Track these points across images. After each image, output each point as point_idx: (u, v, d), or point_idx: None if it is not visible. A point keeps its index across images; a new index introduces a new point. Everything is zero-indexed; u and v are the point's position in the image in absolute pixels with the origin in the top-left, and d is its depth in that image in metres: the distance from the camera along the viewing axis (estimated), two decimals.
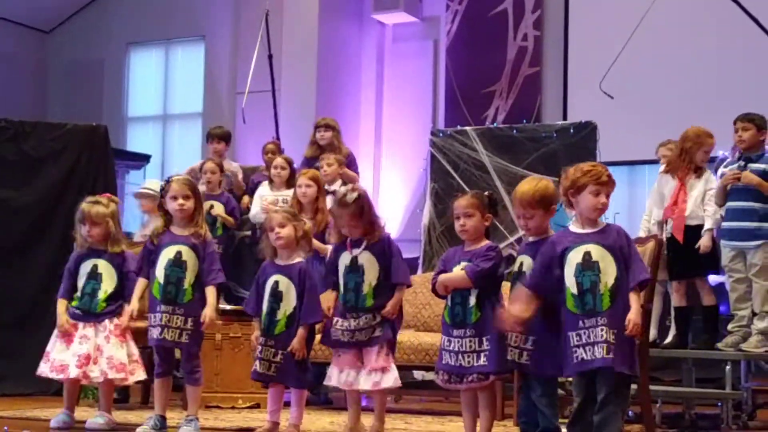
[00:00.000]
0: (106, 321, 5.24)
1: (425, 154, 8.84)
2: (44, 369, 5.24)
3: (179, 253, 4.99)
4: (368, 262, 4.80)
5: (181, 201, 5.00)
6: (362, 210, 4.80)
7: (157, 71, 13.35)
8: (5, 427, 4.84)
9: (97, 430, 5.06)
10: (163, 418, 4.98)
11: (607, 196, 4.23)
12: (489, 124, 10.54)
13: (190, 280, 4.98)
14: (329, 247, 6.31)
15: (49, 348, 5.27)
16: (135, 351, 5.31)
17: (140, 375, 5.32)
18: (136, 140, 13.16)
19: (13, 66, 13.15)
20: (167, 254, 4.99)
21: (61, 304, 5.29)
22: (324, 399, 6.79)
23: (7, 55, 13.11)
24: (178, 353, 5.22)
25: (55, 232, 7.27)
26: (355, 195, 4.81)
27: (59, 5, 13.49)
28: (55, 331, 5.29)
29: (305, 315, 4.84)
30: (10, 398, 6.74)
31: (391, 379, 4.79)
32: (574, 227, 4.29)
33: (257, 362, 4.88)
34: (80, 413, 5.37)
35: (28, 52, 13.48)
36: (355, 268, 4.83)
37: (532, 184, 4.43)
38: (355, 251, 4.83)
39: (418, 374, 7.33)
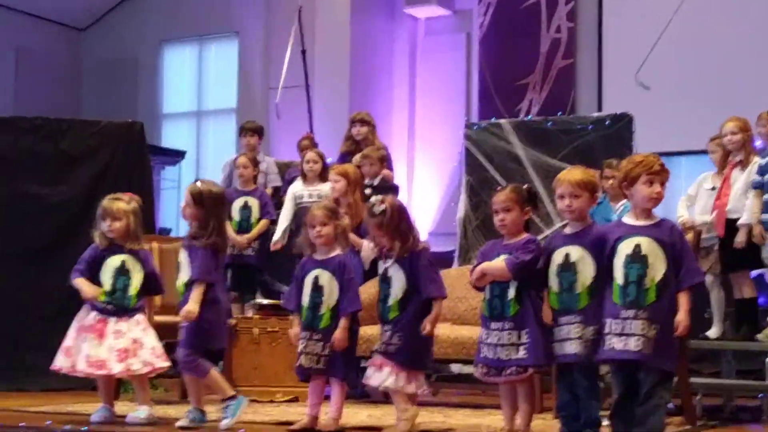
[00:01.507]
0: (139, 315, 5.29)
1: (459, 148, 8.80)
2: (63, 363, 5.28)
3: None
4: (396, 274, 4.80)
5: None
6: (389, 223, 4.78)
7: (191, 68, 13.41)
8: (47, 422, 4.87)
9: (138, 424, 5.09)
10: (201, 411, 5.00)
11: (662, 185, 4.25)
12: (523, 116, 10.50)
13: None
14: (364, 241, 6.33)
15: (69, 342, 5.30)
16: (158, 344, 5.35)
17: (165, 363, 5.35)
18: (171, 136, 13.23)
19: (48, 64, 13.26)
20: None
21: (83, 282, 5.32)
22: (361, 392, 6.78)
23: (42, 53, 13.22)
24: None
25: (90, 228, 7.30)
26: (381, 208, 4.80)
27: (93, 3, 13.58)
28: (74, 325, 5.31)
29: (344, 305, 4.86)
30: (50, 393, 6.80)
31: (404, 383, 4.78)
32: (628, 219, 4.29)
33: (302, 357, 4.89)
34: (120, 408, 5.40)
35: (62, 51, 13.59)
36: (385, 279, 4.85)
37: (580, 169, 4.47)
38: (387, 263, 4.84)
39: (455, 367, 7.31)
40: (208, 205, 5.10)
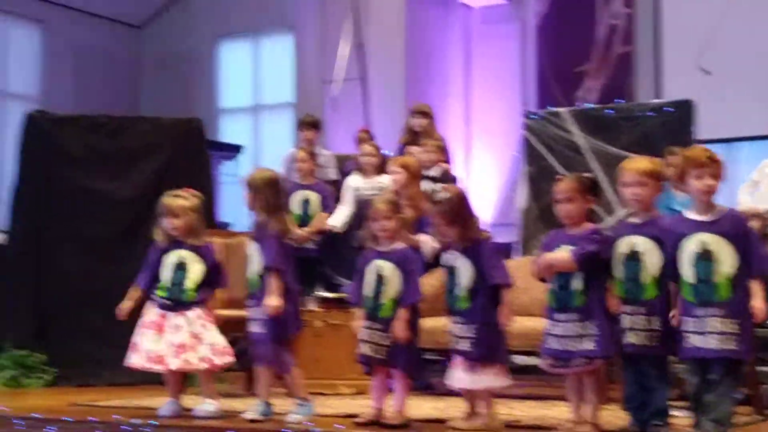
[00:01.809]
0: (198, 309, 5.32)
1: (516, 137, 8.76)
2: (136, 360, 5.34)
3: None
4: (462, 264, 4.76)
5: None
6: (452, 211, 4.76)
7: (247, 63, 13.48)
8: (114, 416, 4.93)
9: (205, 418, 5.13)
10: (269, 404, 5.04)
11: (714, 177, 4.20)
12: (580, 104, 10.41)
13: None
14: (423, 237, 6.34)
15: (137, 339, 5.37)
16: (220, 339, 5.38)
17: (227, 359, 5.38)
18: (228, 131, 13.32)
19: (107, 61, 13.42)
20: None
21: (134, 291, 5.42)
22: (424, 385, 6.78)
23: (101, 50, 13.38)
24: None
25: (153, 224, 7.38)
26: (445, 195, 4.78)
27: (150, 1, 13.71)
28: (140, 321, 5.39)
29: (404, 297, 4.86)
30: (117, 387, 6.90)
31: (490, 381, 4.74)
32: (691, 214, 4.25)
33: (363, 345, 4.91)
34: (187, 401, 5.44)
35: (121, 48, 13.74)
36: (450, 269, 4.82)
37: (646, 158, 4.46)
38: (451, 254, 4.81)
39: (519, 359, 7.27)
40: (264, 189, 5.14)
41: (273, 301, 5.00)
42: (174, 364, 5.24)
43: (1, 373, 7.02)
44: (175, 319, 5.30)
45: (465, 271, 4.76)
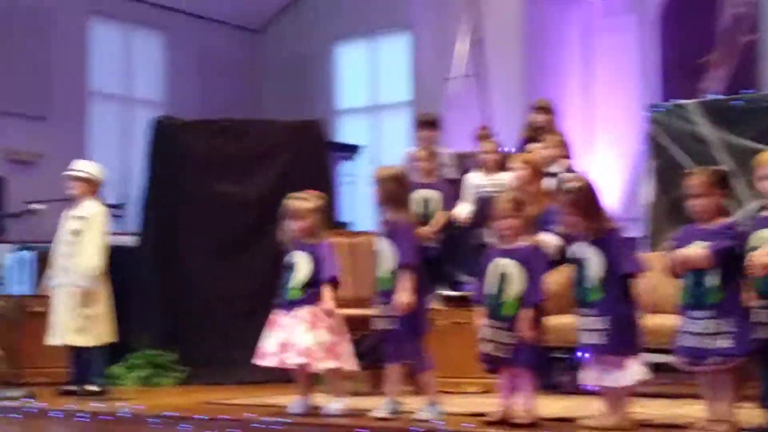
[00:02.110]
0: (304, 309, 5.35)
1: (640, 131, 8.58)
2: (257, 357, 5.43)
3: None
4: (592, 255, 4.66)
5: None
6: (582, 200, 4.68)
7: (363, 63, 13.57)
8: (247, 414, 5.02)
9: (334, 416, 5.17)
10: (398, 403, 5.05)
11: None
12: (705, 95, 10.15)
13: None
14: (543, 236, 6.29)
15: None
16: (327, 338, 5.34)
17: (329, 364, 5.33)
18: (347, 132, 13.43)
19: (228, 66, 13.69)
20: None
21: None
22: (552, 383, 6.71)
23: (222, 55, 13.66)
24: None
25: (276, 225, 7.48)
26: (575, 185, 4.71)
27: (268, 5, 13.93)
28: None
29: (528, 296, 4.81)
30: (247, 386, 7.02)
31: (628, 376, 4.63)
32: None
33: (485, 344, 4.88)
34: (316, 399, 5.50)
35: (241, 52, 14.00)
36: (578, 261, 4.73)
37: None
38: (579, 245, 4.73)
39: (650, 357, 7.12)
40: (391, 183, 5.16)
41: (405, 297, 5.01)
42: (272, 361, 5.31)
43: (134, 372, 7.21)
44: (283, 318, 5.36)
45: (595, 262, 4.66)
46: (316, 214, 5.48)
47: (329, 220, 5.87)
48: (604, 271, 4.63)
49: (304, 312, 5.34)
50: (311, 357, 5.27)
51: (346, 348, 5.40)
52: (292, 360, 5.28)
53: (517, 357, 4.82)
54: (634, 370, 4.62)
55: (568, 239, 4.87)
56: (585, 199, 4.68)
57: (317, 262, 5.39)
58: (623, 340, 4.60)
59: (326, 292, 5.38)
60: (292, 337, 5.29)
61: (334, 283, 5.41)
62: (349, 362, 5.40)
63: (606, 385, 4.66)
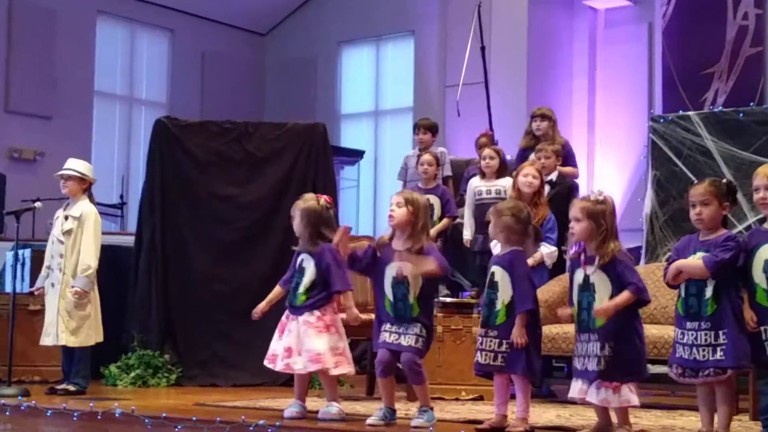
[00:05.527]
0: (309, 314, 5.30)
1: (642, 141, 8.57)
2: (266, 360, 5.41)
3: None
4: (600, 282, 4.49)
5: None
6: (597, 220, 4.50)
7: (368, 68, 13.58)
8: (242, 417, 5.00)
9: (329, 420, 5.16)
10: (392, 410, 5.03)
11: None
12: (709, 107, 10.14)
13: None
14: (540, 253, 6.30)
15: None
16: (341, 344, 5.32)
17: (344, 369, 5.31)
18: (350, 136, 13.42)
19: (232, 68, 13.71)
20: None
21: (273, 291, 5.46)
22: (547, 391, 6.70)
23: (227, 57, 13.67)
24: None
25: (278, 227, 7.48)
26: (603, 197, 4.56)
27: (274, 8, 13.95)
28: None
29: (517, 304, 4.77)
30: (242, 388, 7.01)
31: (618, 400, 4.49)
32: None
33: (479, 354, 4.85)
34: (310, 403, 5.49)
35: (246, 55, 14.02)
36: (586, 286, 4.55)
37: None
38: (589, 269, 4.55)
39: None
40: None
41: None
42: (279, 366, 5.30)
43: (129, 372, 7.20)
44: (290, 322, 5.35)
45: (602, 288, 4.48)
46: (301, 215, 5.42)
47: (336, 223, 5.80)
48: (610, 298, 4.47)
49: (305, 317, 5.32)
50: (325, 362, 5.24)
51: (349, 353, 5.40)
52: (302, 366, 5.24)
53: (510, 364, 4.78)
54: (625, 396, 4.48)
55: (577, 259, 4.70)
56: (610, 215, 4.53)
57: (322, 267, 5.35)
58: (629, 365, 4.46)
59: (346, 300, 5.38)
60: (301, 343, 5.27)
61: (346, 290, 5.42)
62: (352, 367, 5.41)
63: (591, 402, 4.59)
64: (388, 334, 5.00)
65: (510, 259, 4.84)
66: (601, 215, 4.49)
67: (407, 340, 4.96)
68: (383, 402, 5.05)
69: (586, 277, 4.54)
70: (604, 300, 4.44)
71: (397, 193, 5.19)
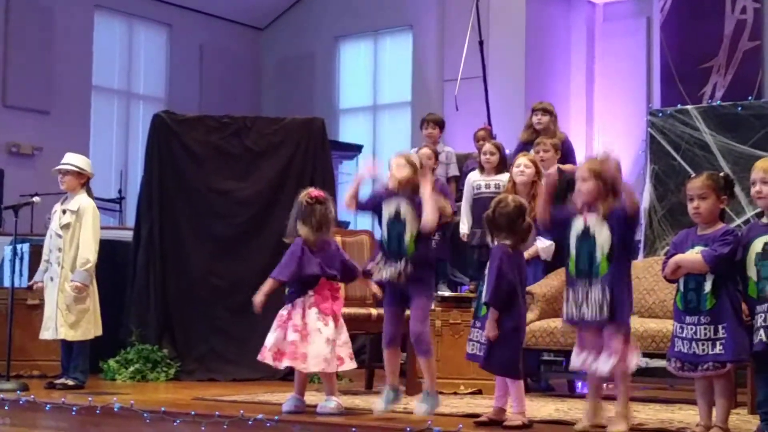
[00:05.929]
0: (311, 308, 5.31)
1: (640, 135, 8.57)
2: (266, 355, 5.36)
3: None
4: (603, 231, 4.56)
5: None
6: (604, 180, 4.56)
7: (366, 62, 13.56)
8: (241, 411, 5.00)
9: (328, 414, 5.16)
10: (396, 390, 5.06)
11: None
12: (707, 101, 10.14)
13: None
14: (535, 248, 6.31)
15: (269, 334, 5.39)
16: (346, 338, 5.34)
17: (348, 365, 5.33)
18: (348, 131, 13.41)
19: (230, 63, 13.70)
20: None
21: (268, 283, 5.40)
22: (545, 386, 6.71)
23: (225, 52, 13.66)
24: None
25: (275, 221, 7.44)
26: (607, 156, 4.64)
27: (272, 3, 13.93)
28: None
29: (486, 297, 4.78)
30: (240, 383, 7.02)
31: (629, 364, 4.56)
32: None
33: (468, 343, 4.93)
34: (309, 397, 5.49)
35: (244, 49, 14.01)
36: (585, 237, 4.60)
37: None
38: (590, 219, 4.60)
39: (643, 361, 7.12)
40: None
41: None
42: (284, 363, 5.29)
43: (128, 367, 7.20)
44: (294, 319, 5.32)
45: (604, 237, 4.57)
46: (294, 209, 5.43)
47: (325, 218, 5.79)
48: (610, 246, 4.55)
49: (308, 311, 5.31)
50: (333, 361, 5.25)
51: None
52: (314, 366, 5.23)
53: (490, 360, 4.78)
54: (619, 359, 4.52)
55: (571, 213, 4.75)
56: (615, 173, 4.60)
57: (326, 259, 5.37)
58: (621, 314, 4.54)
59: (365, 282, 5.45)
60: (309, 342, 5.26)
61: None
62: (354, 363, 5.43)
63: (590, 372, 4.60)
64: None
65: (492, 253, 4.86)
66: (607, 174, 4.55)
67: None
68: (387, 380, 5.06)
69: (586, 228, 4.60)
70: (604, 248, 4.52)
71: (396, 155, 5.44)
